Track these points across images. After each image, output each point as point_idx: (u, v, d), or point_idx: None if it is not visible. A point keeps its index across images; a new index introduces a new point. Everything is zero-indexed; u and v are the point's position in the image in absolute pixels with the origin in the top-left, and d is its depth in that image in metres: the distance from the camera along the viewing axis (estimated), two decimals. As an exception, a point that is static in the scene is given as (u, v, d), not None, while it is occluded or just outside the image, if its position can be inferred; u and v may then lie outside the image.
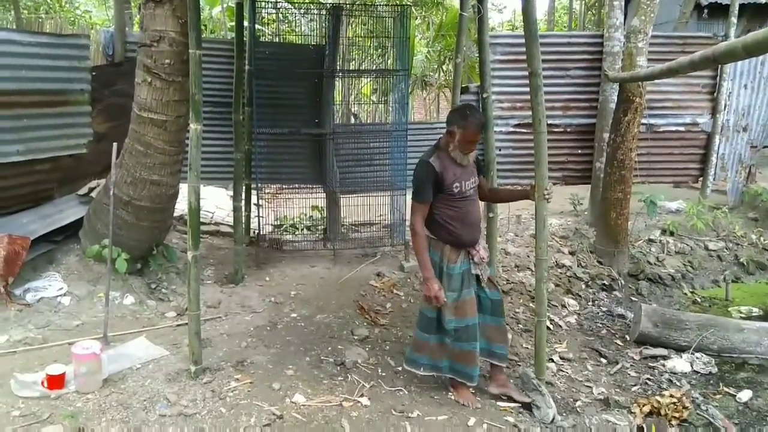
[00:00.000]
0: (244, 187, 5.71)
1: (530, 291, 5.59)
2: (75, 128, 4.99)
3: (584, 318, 5.37)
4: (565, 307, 5.50)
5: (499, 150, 6.94)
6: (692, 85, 6.90)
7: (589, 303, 5.71)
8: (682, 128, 7.02)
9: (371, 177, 6.24)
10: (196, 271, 3.48)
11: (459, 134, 3.20)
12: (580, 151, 7.03)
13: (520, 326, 4.94)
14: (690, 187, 7.86)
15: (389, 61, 6.27)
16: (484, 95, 4.75)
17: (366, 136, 6.15)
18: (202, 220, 6.45)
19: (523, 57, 6.69)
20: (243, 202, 5.18)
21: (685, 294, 6.27)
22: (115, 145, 3.91)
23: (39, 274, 4.57)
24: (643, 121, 6.36)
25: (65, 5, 12.04)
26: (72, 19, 10.78)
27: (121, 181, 4.48)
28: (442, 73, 14.68)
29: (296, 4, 9.32)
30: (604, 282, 6.09)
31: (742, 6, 8.47)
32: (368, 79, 15.50)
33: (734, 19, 6.80)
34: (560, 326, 5.13)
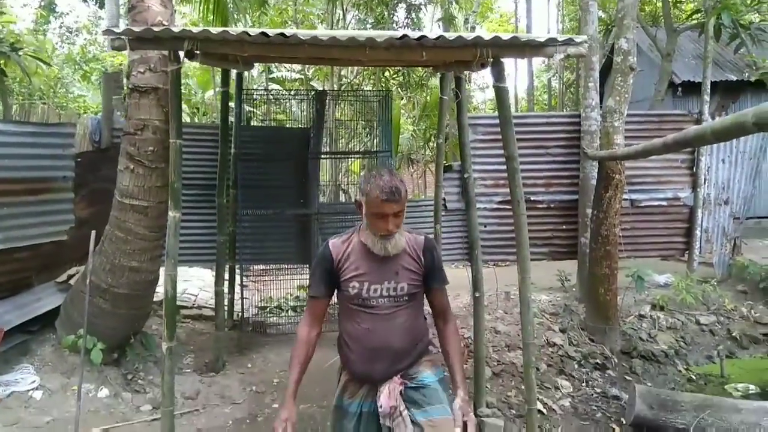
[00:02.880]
0: (227, 270, 5.64)
1: (522, 373, 5.43)
2: (56, 215, 4.95)
3: (578, 400, 5.18)
4: (559, 389, 5.32)
5: (485, 227, 6.98)
6: (671, 160, 7.05)
7: (583, 384, 5.53)
8: (664, 203, 7.11)
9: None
10: (171, 363, 3.35)
11: (364, 205, 2.24)
12: (564, 227, 7.06)
13: (513, 411, 4.76)
14: (677, 261, 7.87)
15: (375, 141, 6.38)
16: (465, 175, 4.80)
17: (351, 215, 6.15)
18: (184, 303, 6.34)
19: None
20: (225, 285, 5.08)
21: (680, 371, 6.11)
22: (93, 232, 3.86)
23: (11, 367, 4.39)
24: (625, 196, 6.45)
25: (59, 90, 12.32)
26: (64, 104, 11.03)
27: (100, 268, 4.41)
28: (428, 150, 15.01)
29: (283, 90, 9.62)
30: (597, 361, 5.94)
31: (714, 83, 8.83)
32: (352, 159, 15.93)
33: (707, 97, 7.07)
34: (554, 410, 4.94)
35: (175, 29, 2.97)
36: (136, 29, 2.99)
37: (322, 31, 2.89)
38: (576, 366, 5.79)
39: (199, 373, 4.93)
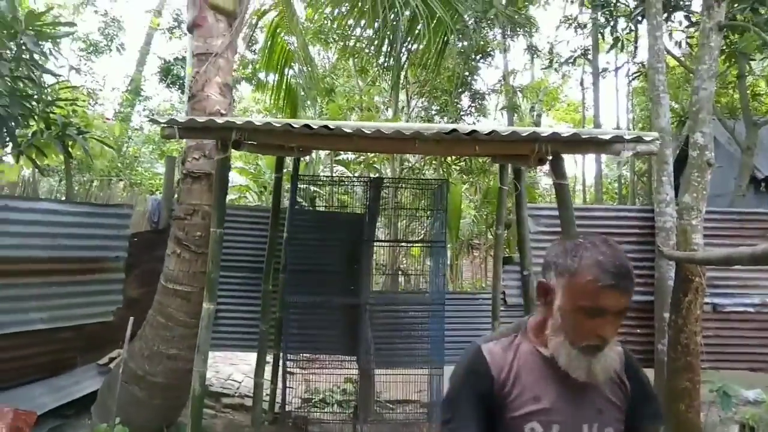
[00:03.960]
0: (271, 359, 5.41)
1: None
2: (105, 295, 4.95)
3: None
4: None
5: (547, 325, 6.46)
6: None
7: None
8: (751, 309, 6.37)
9: (408, 351, 5.82)
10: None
11: (560, 292, 1.44)
12: (639, 331, 6.41)
13: None
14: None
15: (431, 229, 6.16)
16: (525, 272, 4.44)
17: (402, 306, 5.85)
18: (226, 391, 6.10)
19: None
20: (264, 377, 4.82)
21: None
22: (131, 319, 3.75)
23: (41, 453, 4.24)
24: (707, 299, 5.81)
25: (137, 168, 12.99)
26: (140, 181, 11.61)
27: (139, 354, 4.28)
28: (489, 236, 14.64)
29: (339, 177, 9.70)
30: (681, 492, 5.14)
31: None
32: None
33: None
34: None
35: (220, 120, 2.93)
36: (181, 119, 2.97)
37: (367, 124, 2.80)
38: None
39: (232, 472, 4.60)
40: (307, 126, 2.66)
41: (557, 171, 3.09)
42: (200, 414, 3.21)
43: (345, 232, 5.97)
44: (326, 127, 2.67)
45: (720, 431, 5.99)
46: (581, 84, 18.96)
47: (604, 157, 21.40)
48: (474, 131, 2.76)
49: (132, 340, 4.26)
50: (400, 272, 12.20)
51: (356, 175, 12.12)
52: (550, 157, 2.96)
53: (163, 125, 2.98)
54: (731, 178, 8.89)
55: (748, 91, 9.55)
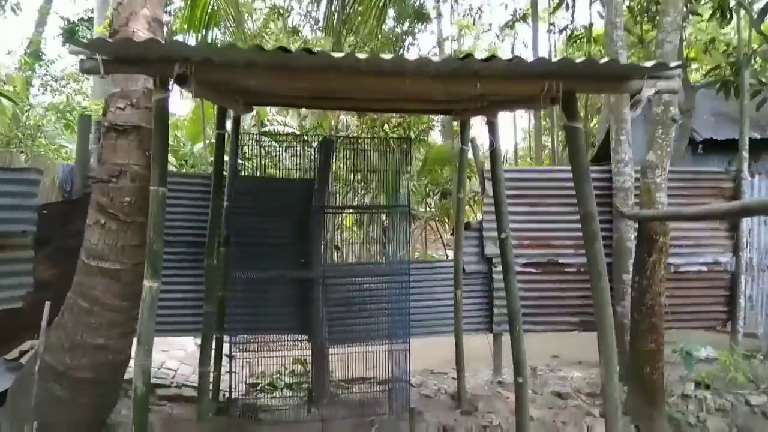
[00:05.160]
0: (215, 344, 4.79)
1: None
2: (11, 278, 4.12)
3: None
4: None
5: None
6: (710, 220, 6.40)
7: (639, 488, 4.64)
8: (704, 268, 6.41)
9: (366, 325, 5.37)
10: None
11: None
12: (596, 293, 6.29)
13: None
14: (717, 332, 7.09)
15: (389, 195, 5.67)
16: (503, 235, 4.07)
17: (362, 278, 5.36)
18: (160, 381, 5.41)
19: (529, 192, 6.33)
20: (212, 365, 4.20)
21: (742, 468, 5.25)
22: (48, 304, 3.03)
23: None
24: (665, 260, 5.74)
25: (39, 139, 11.52)
26: (43, 152, 10.26)
27: (57, 345, 3.55)
28: (426, 207, 14.40)
29: (283, 137, 8.97)
30: (648, 455, 5.07)
31: (734, 141, 8.36)
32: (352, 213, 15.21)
33: (745, 154, 6.49)
34: None
35: (166, 46, 2.26)
36: (108, 43, 2.28)
37: (357, 54, 2.25)
38: (625, 462, 4.92)
39: (176, 475, 3.99)
40: (283, 49, 2.07)
41: (570, 111, 2.68)
42: (145, 419, 2.60)
43: (294, 200, 5.38)
44: (308, 51, 2.09)
45: (677, 388, 5.99)
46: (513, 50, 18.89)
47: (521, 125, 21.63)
48: (493, 56, 2.27)
49: (47, 329, 3.51)
50: (335, 248, 11.68)
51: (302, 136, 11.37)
52: (561, 95, 2.54)
53: (85, 49, 2.28)
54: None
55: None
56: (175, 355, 6.37)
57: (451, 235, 13.51)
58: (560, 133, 19.46)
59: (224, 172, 4.93)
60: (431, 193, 14.04)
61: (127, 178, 3.46)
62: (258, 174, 5.60)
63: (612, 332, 2.75)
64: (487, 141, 4.45)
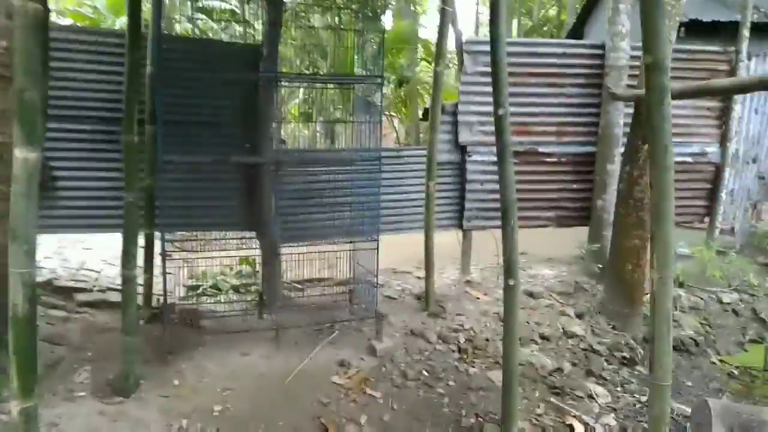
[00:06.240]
0: (143, 241, 3.96)
1: (545, 376, 4.17)
2: None
3: (623, 415, 3.96)
4: (593, 398, 4.09)
5: (481, 184, 5.57)
6: (699, 107, 5.86)
7: (618, 388, 4.34)
8: (689, 159, 5.95)
9: (327, 221, 4.65)
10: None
11: None
12: (575, 186, 5.78)
13: (550, 439, 3.47)
14: (692, 228, 6.82)
15: (357, 65, 4.74)
16: (500, 111, 3.29)
17: (320, 166, 4.54)
18: (80, 285, 4.59)
19: (514, 69, 5.52)
20: (135, 267, 3.38)
21: (713, 363, 5.07)
22: None
23: None
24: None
25: None
26: None
27: None
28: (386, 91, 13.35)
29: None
30: (624, 354, 4.77)
31: (719, 23, 7.76)
32: (296, 100, 13.88)
33: (746, 32, 5.85)
34: (598, 432, 3.70)
35: None
36: None
37: None
38: (604, 363, 4.60)
39: (100, 397, 3.29)
40: None
41: None
42: (32, 350, 1.82)
43: (237, 68, 4.39)
44: None
45: (649, 288, 5.71)
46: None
47: None
48: None
49: None
50: (281, 141, 10.63)
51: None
52: None
53: None
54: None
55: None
56: (99, 255, 5.52)
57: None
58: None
59: (142, 29, 3.85)
60: (386, 80, 12.98)
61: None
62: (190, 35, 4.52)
63: (670, 231, 2.10)
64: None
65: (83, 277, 4.76)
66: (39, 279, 4.28)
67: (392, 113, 13.74)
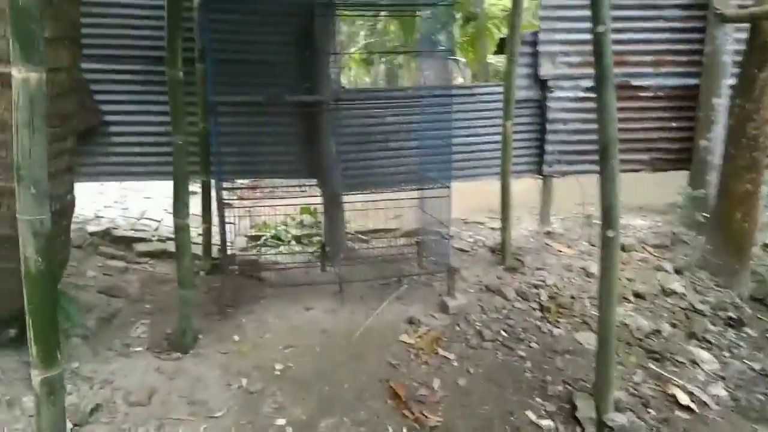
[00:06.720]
0: (199, 190, 3.72)
1: (641, 339, 3.69)
2: None
3: (734, 385, 3.44)
4: (698, 364, 3.58)
5: (564, 123, 4.98)
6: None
7: (725, 353, 3.79)
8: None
9: (389, 166, 4.26)
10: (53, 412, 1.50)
11: None
12: (675, 125, 5.08)
13: (651, 412, 3.03)
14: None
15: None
16: (600, 29, 2.72)
17: (384, 106, 4.11)
18: (140, 234, 4.45)
19: None
20: (187, 216, 3.13)
21: None
22: None
23: None
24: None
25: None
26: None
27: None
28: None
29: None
30: (730, 314, 4.18)
31: None
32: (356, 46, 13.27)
33: None
34: (705, 404, 3.20)
35: None
36: None
37: None
38: (709, 324, 4.04)
39: (157, 353, 3.12)
40: None
41: None
42: (51, 307, 1.55)
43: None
44: None
45: (758, 239, 5.01)
46: None
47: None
48: None
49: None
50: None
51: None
52: None
53: None
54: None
55: None
56: (160, 204, 5.39)
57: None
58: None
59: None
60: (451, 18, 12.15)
61: None
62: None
63: None
64: None
65: (143, 227, 4.63)
66: (97, 228, 4.18)
67: (457, 56, 12.95)
